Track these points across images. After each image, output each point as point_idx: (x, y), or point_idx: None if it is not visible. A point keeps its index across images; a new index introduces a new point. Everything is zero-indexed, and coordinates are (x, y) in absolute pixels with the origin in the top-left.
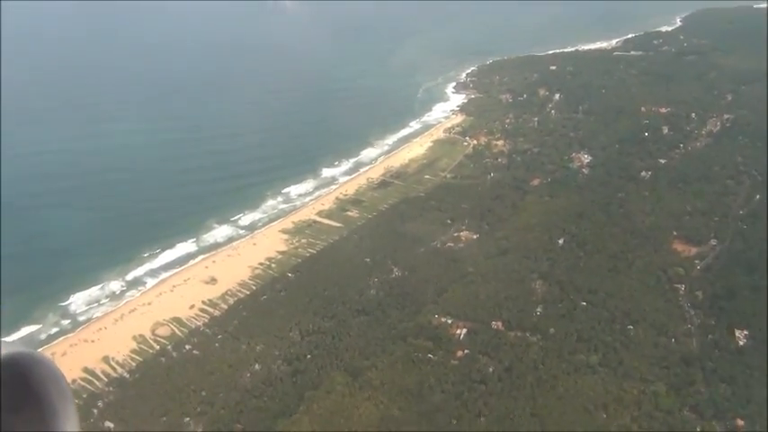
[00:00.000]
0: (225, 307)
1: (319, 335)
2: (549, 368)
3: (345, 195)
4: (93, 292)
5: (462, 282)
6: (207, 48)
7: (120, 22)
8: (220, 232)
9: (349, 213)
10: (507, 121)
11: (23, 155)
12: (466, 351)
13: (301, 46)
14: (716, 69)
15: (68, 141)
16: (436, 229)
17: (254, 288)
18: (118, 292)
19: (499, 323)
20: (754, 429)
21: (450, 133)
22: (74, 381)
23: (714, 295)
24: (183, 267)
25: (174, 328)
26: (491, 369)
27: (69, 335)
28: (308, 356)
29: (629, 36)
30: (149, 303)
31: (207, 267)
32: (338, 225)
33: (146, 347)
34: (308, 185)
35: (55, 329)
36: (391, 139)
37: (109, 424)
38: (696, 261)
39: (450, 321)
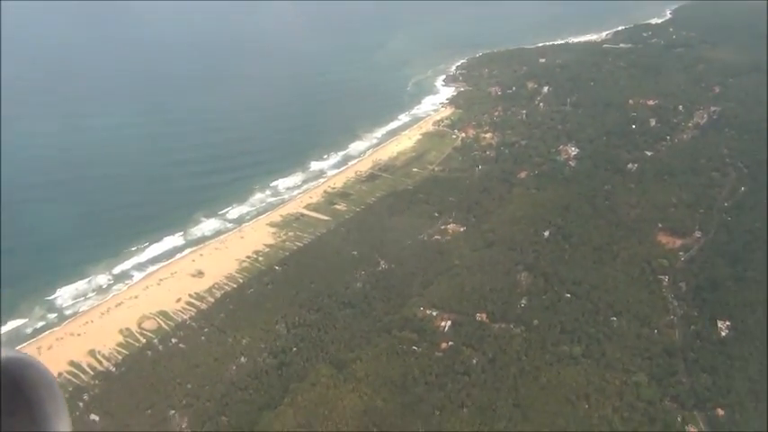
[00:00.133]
0: (212, 300)
1: (305, 327)
2: (532, 359)
3: (333, 188)
4: (80, 285)
5: (448, 274)
6: (195, 43)
7: (110, 19)
8: (208, 226)
9: (337, 206)
10: (496, 113)
11: (9, 150)
12: (450, 343)
13: (290, 40)
14: (704, 62)
15: (55, 136)
16: (423, 222)
17: (241, 281)
18: (105, 286)
19: (484, 315)
20: (734, 418)
21: (438, 126)
22: (60, 374)
23: (697, 287)
24: (170, 261)
25: (161, 322)
26: (475, 360)
27: (56, 328)
28: (294, 349)
29: (620, 28)
30: (136, 297)
31: (194, 261)
32: (326, 218)
33: (132, 341)
34: (296, 179)
35: (41, 323)
36: (380, 132)
37: (94, 417)
38: (680, 253)
39: (435, 314)
